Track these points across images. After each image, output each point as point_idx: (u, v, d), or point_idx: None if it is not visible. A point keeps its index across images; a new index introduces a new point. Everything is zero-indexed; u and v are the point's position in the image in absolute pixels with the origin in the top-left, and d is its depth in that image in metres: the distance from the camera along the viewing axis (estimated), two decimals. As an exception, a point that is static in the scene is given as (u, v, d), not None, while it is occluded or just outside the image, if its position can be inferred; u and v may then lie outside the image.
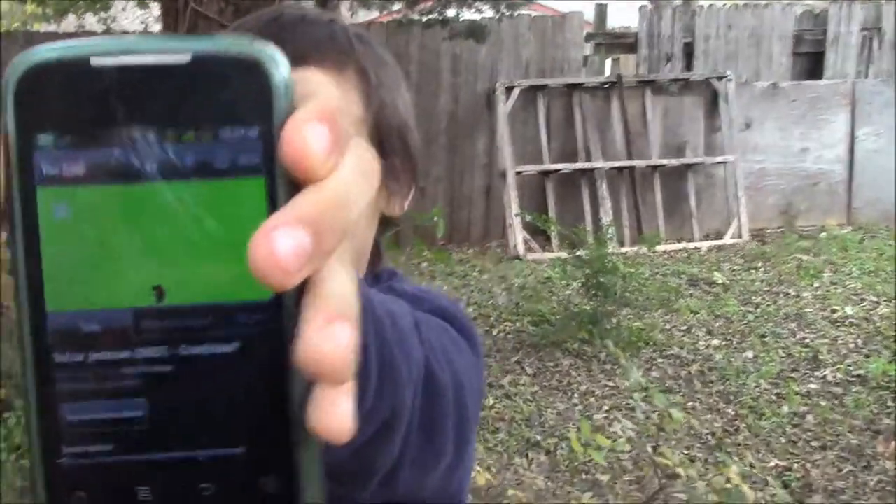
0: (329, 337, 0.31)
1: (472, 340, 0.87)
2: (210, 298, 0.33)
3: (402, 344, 0.62)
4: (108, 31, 7.81)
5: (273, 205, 0.33)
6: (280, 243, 0.30)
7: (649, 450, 3.31)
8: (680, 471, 2.56)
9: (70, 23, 8.80)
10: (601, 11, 9.00)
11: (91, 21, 8.33)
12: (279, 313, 0.34)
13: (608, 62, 9.34)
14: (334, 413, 0.32)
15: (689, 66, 8.65)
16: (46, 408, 0.33)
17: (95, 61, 0.33)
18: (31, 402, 0.33)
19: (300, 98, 0.34)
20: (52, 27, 8.65)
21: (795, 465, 3.72)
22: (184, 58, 0.33)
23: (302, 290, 0.33)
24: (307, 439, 0.34)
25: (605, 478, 3.49)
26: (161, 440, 0.34)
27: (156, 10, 8.36)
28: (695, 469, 3.27)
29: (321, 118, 0.32)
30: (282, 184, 0.33)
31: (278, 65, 0.33)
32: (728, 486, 2.52)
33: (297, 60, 0.45)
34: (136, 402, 0.34)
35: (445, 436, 0.72)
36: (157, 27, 8.82)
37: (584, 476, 3.54)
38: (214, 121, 0.33)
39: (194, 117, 0.33)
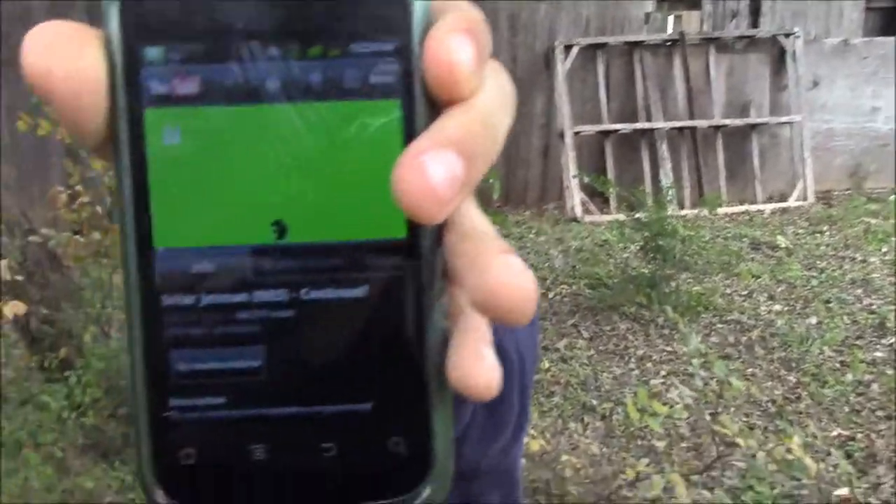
0: (514, 270, 0.28)
1: None
2: (337, 236, 0.30)
3: None
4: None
5: (410, 130, 0.30)
6: (432, 169, 0.27)
7: (707, 417, 3.26)
8: (739, 440, 2.51)
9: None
10: (664, -34, 8.76)
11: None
12: (415, 254, 0.30)
13: (670, 19, 9.10)
14: (480, 366, 0.29)
15: (755, 23, 8.39)
16: (153, 356, 0.30)
17: None
18: (136, 350, 0.30)
19: (436, 11, 0.30)
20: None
21: (859, 435, 3.62)
22: None
23: (440, 228, 0.30)
24: (443, 395, 0.31)
25: (661, 444, 3.45)
26: (279, 394, 0.31)
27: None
28: (754, 438, 3.20)
29: (466, 30, 0.29)
30: (420, 106, 0.30)
31: None
32: (789, 456, 2.46)
33: None
34: (253, 351, 0.30)
35: (510, 406, 0.69)
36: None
37: (639, 442, 3.50)
38: (345, 34, 0.29)
39: (322, 30, 0.29)
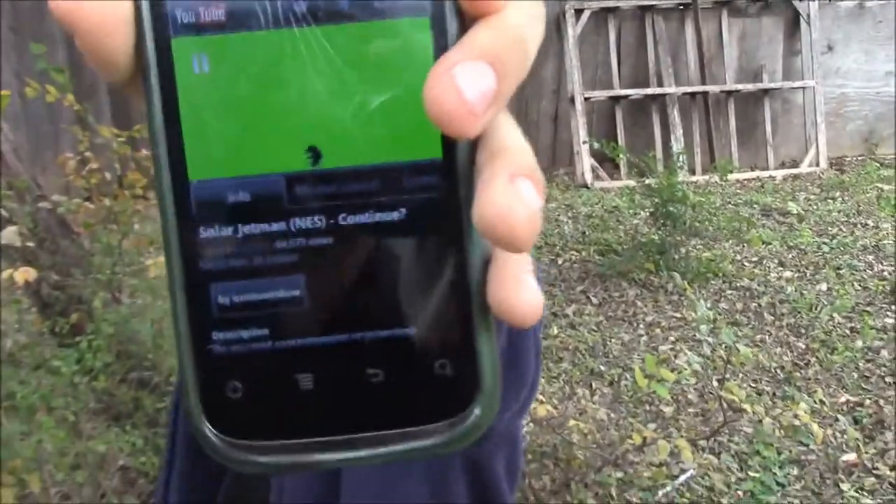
0: (516, 195, 0.28)
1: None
2: (372, 159, 0.30)
3: None
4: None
5: (442, 47, 0.29)
6: (464, 81, 0.27)
7: (715, 384, 3.26)
8: (746, 406, 2.52)
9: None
10: (677, -72, 8.63)
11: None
12: (452, 174, 0.30)
13: (683, -18, 8.99)
14: (520, 289, 0.29)
15: (769, -14, 8.28)
16: (193, 290, 0.30)
17: None
18: (176, 286, 0.30)
19: None
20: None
21: (867, 402, 3.63)
22: None
23: (475, 146, 0.30)
24: (486, 318, 0.31)
25: (668, 410, 3.46)
26: (322, 322, 0.31)
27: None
28: (762, 405, 3.22)
29: None
30: (452, 23, 0.29)
31: None
32: (796, 422, 2.46)
33: None
34: (293, 280, 0.30)
35: (527, 367, 0.70)
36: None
37: (647, 408, 3.52)
38: None
39: None
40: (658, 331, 4.38)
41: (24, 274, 2.21)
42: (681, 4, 7.83)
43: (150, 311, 2.53)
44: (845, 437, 3.32)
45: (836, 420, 3.35)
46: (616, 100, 7.67)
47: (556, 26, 7.61)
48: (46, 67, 2.72)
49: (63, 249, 2.65)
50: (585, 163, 7.34)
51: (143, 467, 2.30)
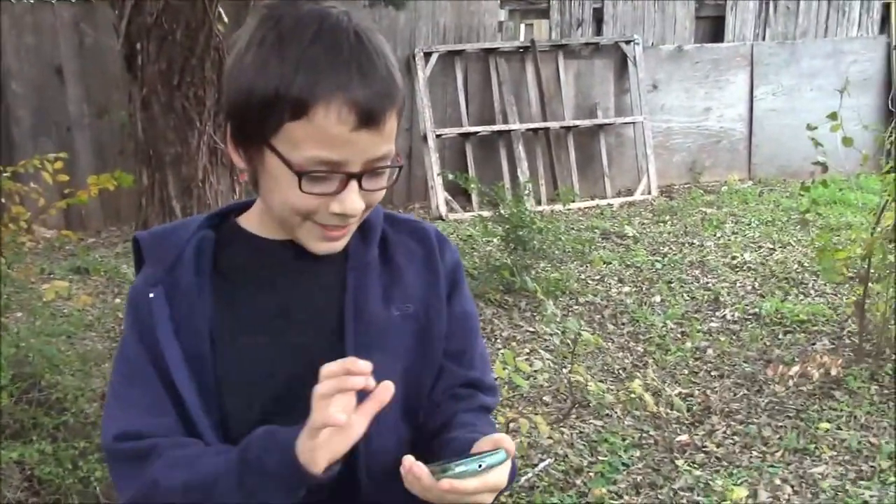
0: None
1: (448, 245, 1.18)
2: None
3: None
4: (20, 1, 7.73)
5: None
6: None
7: (564, 371, 3.61)
8: (591, 386, 2.89)
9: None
10: (514, -22, 9.28)
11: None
12: None
13: (522, 27, 9.64)
14: None
15: (598, 31, 9.01)
16: None
17: None
18: None
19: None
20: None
21: (696, 392, 4.13)
22: None
23: None
24: None
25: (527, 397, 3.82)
26: None
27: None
28: (609, 393, 3.63)
29: None
30: None
31: None
32: (632, 395, 2.85)
33: (378, 113, 0.90)
34: None
35: None
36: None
37: (510, 394, 3.84)
38: None
39: None
40: (514, 343, 4.77)
41: (-72, 298, 2.33)
42: (521, 47, 8.43)
43: (45, 331, 2.66)
44: (679, 419, 3.79)
45: (671, 407, 3.81)
46: (466, 136, 8.14)
47: (406, 69, 8.04)
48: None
49: (-49, 280, 2.74)
50: (440, 196, 7.75)
51: (47, 476, 2.43)
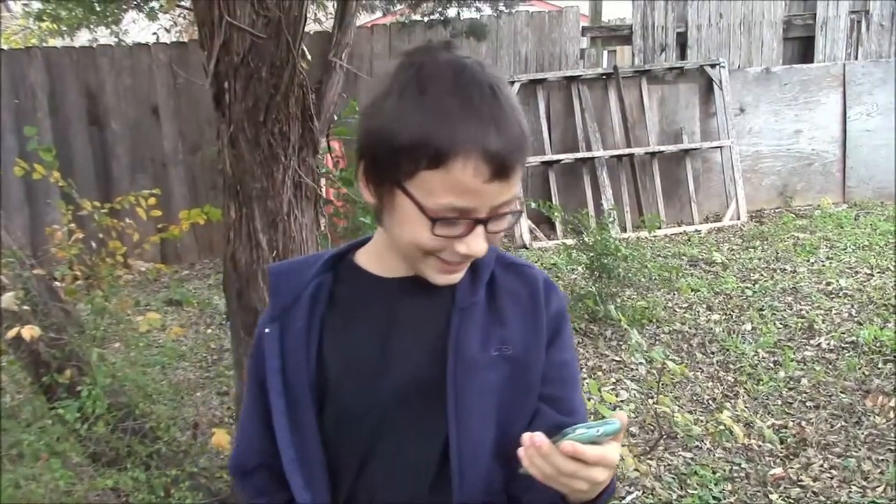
0: None
1: (556, 293, 1.20)
2: None
3: None
4: (119, 44, 8.10)
5: None
6: None
7: (650, 401, 3.54)
8: (678, 418, 2.82)
9: (83, 36, 9.10)
10: (596, 5, 9.27)
11: (104, 33, 8.62)
12: None
13: (605, 54, 9.60)
14: None
15: (682, 55, 8.91)
16: None
17: None
18: None
19: None
20: (67, 41, 8.95)
21: (791, 423, 3.99)
22: None
23: None
24: None
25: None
26: None
27: (165, 20, 8.65)
28: (699, 427, 3.54)
29: None
30: None
31: None
32: (721, 427, 2.76)
33: (511, 166, 0.96)
34: None
35: None
36: (167, 37, 9.11)
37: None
38: None
39: None
40: (600, 373, 4.70)
41: (31, 331, 2.44)
42: (604, 74, 8.39)
43: (139, 361, 2.75)
44: (774, 454, 3.66)
45: (764, 439, 3.69)
46: (549, 164, 8.13)
47: (488, 98, 8.07)
48: (35, 147, 2.98)
49: (53, 312, 2.87)
50: (524, 224, 7.74)
51: (140, 503, 2.51)
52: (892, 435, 3.79)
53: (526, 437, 0.94)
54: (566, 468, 0.92)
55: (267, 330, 1.16)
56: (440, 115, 0.97)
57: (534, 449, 0.93)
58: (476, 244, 1.03)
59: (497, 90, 1.01)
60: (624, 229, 7.92)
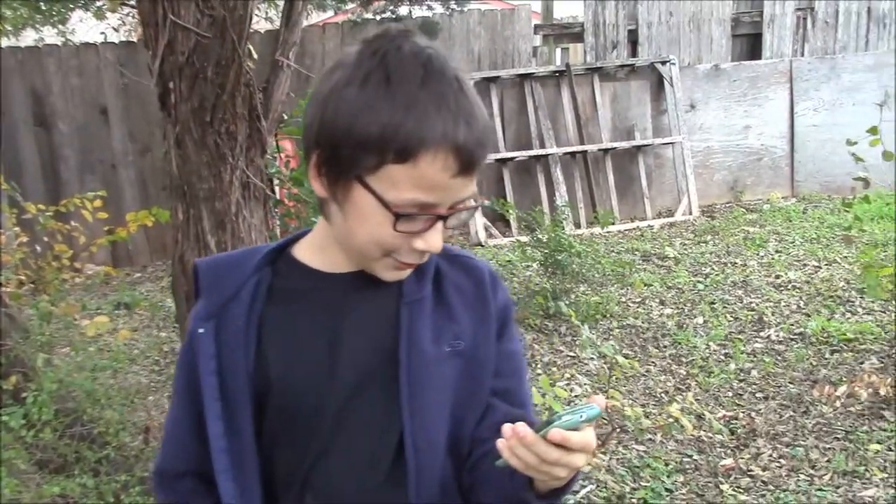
0: None
1: (500, 285, 1.19)
2: None
3: None
4: (66, 44, 7.96)
5: None
6: None
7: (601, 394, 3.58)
8: (628, 410, 2.85)
9: (29, 36, 8.93)
10: (548, 4, 9.34)
11: (50, 33, 8.47)
12: None
13: (557, 52, 9.67)
14: None
15: (634, 53, 9.01)
16: None
17: None
18: None
19: None
20: (12, 41, 8.78)
21: (741, 414, 4.05)
22: None
23: None
24: None
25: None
26: None
27: (113, 19, 8.53)
28: (649, 420, 3.58)
29: None
30: None
31: None
32: (670, 420, 2.80)
33: (478, 160, 0.96)
34: None
35: None
36: (115, 37, 8.97)
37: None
38: None
39: None
40: (554, 368, 4.73)
41: (-28, 337, 2.38)
42: (556, 72, 8.44)
43: (88, 366, 2.71)
44: (723, 443, 3.72)
45: (714, 429, 3.74)
46: (503, 162, 8.16)
47: (442, 96, 8.08)
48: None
49: (-3, 318, 2.81)
50: (479, 222, 7.76)
51: (89, 511, 2.47)
52: (839, 424, 3.87)
53: (507, 427, 0.92)
54: (550, 456, 0.90)
55: (201, 330, 1.11)
56: (410, 108, 0.95)
57: (516, 439, 0.91)
58: (434, 240, 1.02)
59: (463, 83, 1.00)
60: (578, 225, 7.99)
